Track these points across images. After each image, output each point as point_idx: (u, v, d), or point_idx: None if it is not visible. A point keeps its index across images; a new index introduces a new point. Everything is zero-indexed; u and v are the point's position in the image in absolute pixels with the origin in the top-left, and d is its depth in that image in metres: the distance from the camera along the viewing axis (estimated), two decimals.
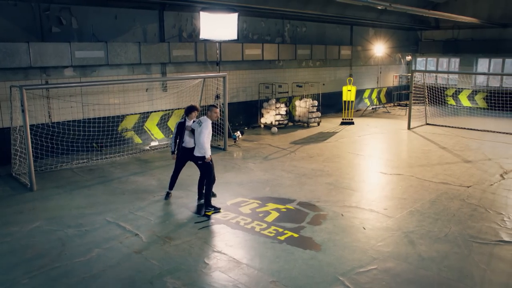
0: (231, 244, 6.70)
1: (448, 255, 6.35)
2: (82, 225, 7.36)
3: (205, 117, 8.00)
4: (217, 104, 13.65)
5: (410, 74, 24.78)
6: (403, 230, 7.22)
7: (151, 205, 8.32)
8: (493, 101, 20.10)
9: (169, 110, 13.84)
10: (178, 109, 13.97)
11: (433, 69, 24.71)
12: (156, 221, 7.58)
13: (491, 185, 9.68)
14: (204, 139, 7.75)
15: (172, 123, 14.02)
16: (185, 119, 8.39)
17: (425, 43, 24.46)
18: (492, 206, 8.37)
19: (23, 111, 8.85)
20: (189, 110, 8.41)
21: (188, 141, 8.33)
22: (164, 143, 13.42)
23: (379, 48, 21.48)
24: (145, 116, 13.32)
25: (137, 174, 10.35)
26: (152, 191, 9.15)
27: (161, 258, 6.24)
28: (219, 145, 13.08)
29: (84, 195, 8.91)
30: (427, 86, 18.47)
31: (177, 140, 8.44)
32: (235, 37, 13.30)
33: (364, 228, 7.28)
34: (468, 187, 9.50)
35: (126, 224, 7.40)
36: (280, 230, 7.17)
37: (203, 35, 12.97)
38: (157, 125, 13.69)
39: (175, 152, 8.52)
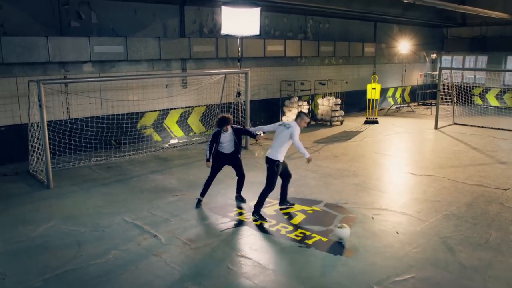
0: (255, 247, 6.29)
1: (492, 264, 5.82)
2: (99, 225, 7.04)
3: (294, 122, 7.42)
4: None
5: (435, 73, 24.22)
6: (439, 235, 6.71)
7: (170, 205, 7.97)
8: None
9: (189, 107, 13.52)
10: (198, 106, 13.65)
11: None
12: (176, 221, 7.21)
13: None
14: (298, 142, 7.19)
15: (192, 121, 13.70)
16: (220, 129, 7.75)
17: (451, 40, 23.66)
18: None
19: (40, 106, 8.59)
20: (223, 123, 7.68)
21: (226, 147, 7.80)
22: (184, 141, 13.10)
23: (403, 46, 20.81)
24: (164, 113, 13.01)
25: (156, 173, 10.03)
26: (172, 190, 8.81)
27: (182, 262, 5.87)
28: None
29: (102, 193, 8.61)
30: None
31: (213, 147, 7.81)
32: (257, 32, 12.85)
33: (397, 233, 6.79)
34: (505, 189, 8.92)
35: (145, 224, 7.06)
36: (308, 233, 6.73)
37: (225, 30, 12.56)
38: (176, 122, 13.38)
39: (210, 160, 7.87)
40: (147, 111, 12.57)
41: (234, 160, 8.00)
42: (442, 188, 8.99)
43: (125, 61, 11.67)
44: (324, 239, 6.53)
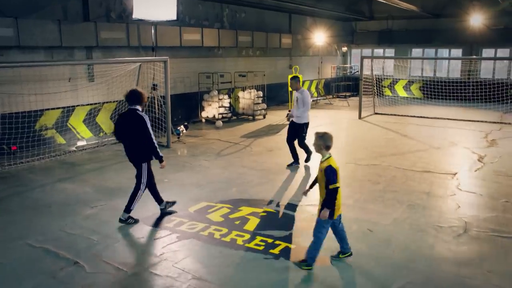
0: (211, 265, 4.97)
1: (483, 256, 5.14)
2: None
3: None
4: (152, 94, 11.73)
5: (346, 65, 24.47)
6: (415, 228, 5.95)
7: (90, 219, 6.34)
8: (428, 91, 19.98)
9: (97, 103, 11.66)
10: (108, 102, 11.84)
11: (368, 60, 24.28)
12: (101, 240, 5.63)
13: (475, 171, 8.84)
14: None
15: (102, 119, 11.87)
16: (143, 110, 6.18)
17: (360, 34, 24.03)
18: (493, 193, 7.42)
19: None
20: (140, 96, 6.14)
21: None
22: (94, 142, 11.24)
23: (318, 38, 20.54)
24: (68, 111, 11.05)
25: (64, 181, 8.22)
26: (88, 200, 7.13)
27: None
28: (161, 142, 11.12)
29: None
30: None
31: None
32: (174, 17, 11.52)
33: (371, 231, 5.91)
34: (454, 174, 8.55)
35: (59, 248, 5.38)
36: (270, 240, 5.56)
37: (137, 14, 11.02)
38: (83, 121, 11.47)
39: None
40: (47, 109, 10.53)
41: None
42: (393, 177, 8.38)
43: (16, 47, 9.63)
44: (291, 246, 5.42)
